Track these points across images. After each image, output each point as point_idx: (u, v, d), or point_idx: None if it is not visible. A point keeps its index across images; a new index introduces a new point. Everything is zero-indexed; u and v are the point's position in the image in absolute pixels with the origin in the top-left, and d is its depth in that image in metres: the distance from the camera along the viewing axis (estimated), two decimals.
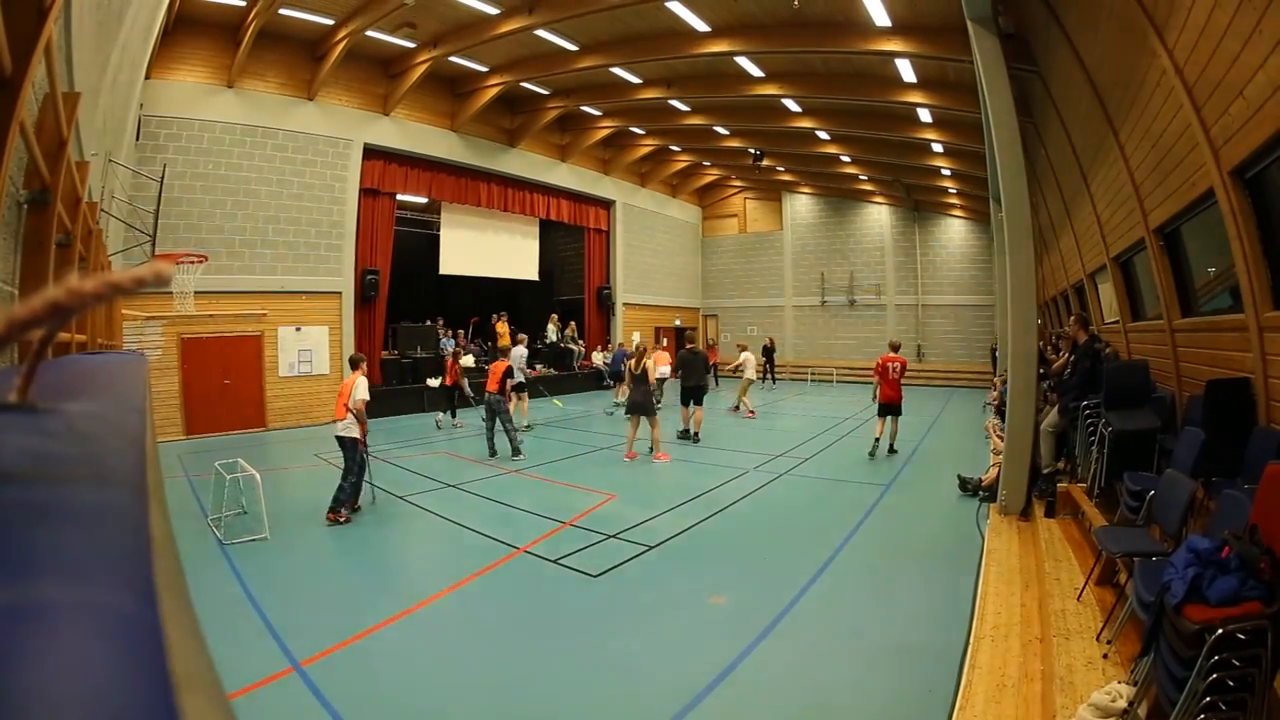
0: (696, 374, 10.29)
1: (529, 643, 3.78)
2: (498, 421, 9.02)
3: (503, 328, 16.46)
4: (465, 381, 11.38)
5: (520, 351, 12.19)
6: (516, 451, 8.88)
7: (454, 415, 11.79)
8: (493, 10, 10.60)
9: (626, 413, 9.54)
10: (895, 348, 9.78)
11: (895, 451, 9.31)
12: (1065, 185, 8.85)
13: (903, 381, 9.30)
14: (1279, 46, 3.05)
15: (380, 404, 13.04)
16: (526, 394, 11.92)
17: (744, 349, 13.87)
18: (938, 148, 14.56)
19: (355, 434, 6.15)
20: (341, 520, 6.02)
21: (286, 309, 12.09)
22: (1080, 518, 5.38)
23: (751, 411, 13.08)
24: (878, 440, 9.20)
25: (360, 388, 6.19)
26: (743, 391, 13.24)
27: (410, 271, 15.99)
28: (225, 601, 4.24)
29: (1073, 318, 6.89)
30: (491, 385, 8.91)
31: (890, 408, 9.19)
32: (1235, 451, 3.78)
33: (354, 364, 6.54)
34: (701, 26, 10.73)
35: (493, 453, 9.01)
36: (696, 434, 10.24)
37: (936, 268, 20.65)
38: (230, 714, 0.28)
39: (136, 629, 0.21)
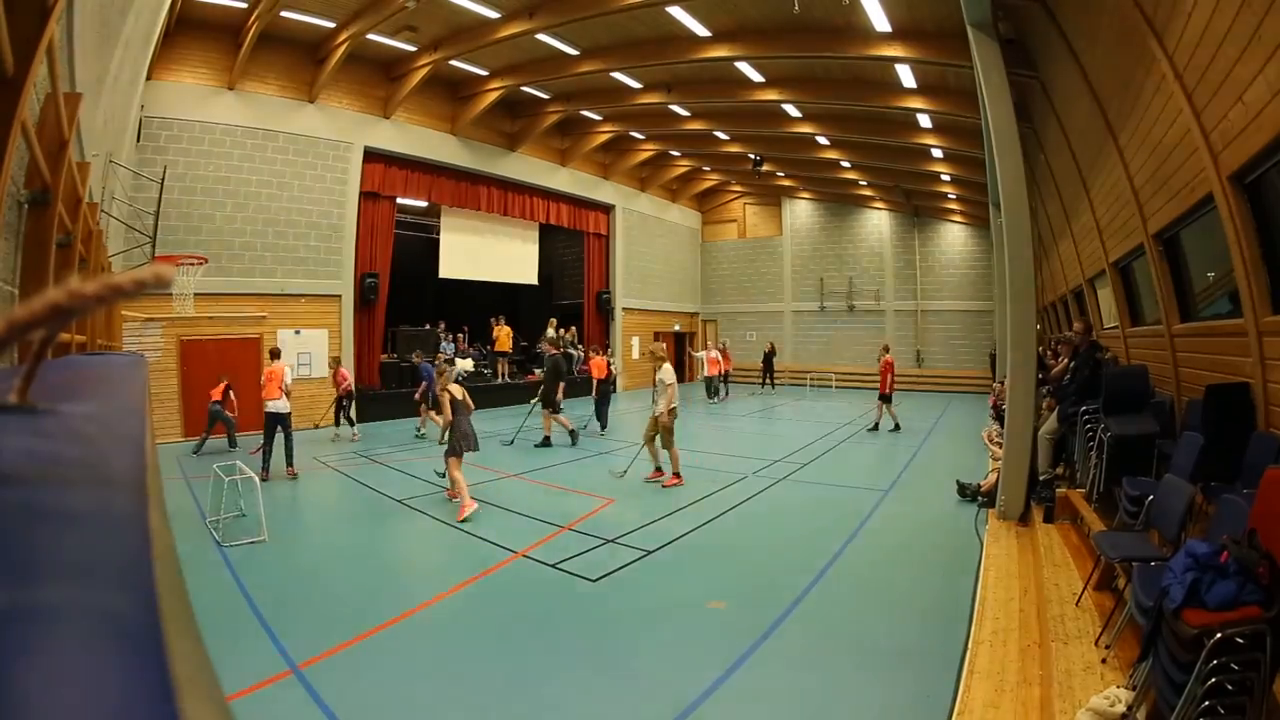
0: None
1: (527, 647, 3.77)
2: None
3: (499, 330, 16.48)
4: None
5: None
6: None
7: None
8: (493, 14, 10.63)
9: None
10: (887, 349, 12.26)
11: (877, 429, 11.67)
12: (1065, 190, 8.87)
13: (899, 386, 12.31)
14: (1278, 51, 3.06)
15: (379, 407, 13.10)
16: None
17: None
18: (937, 153, 14.58)
19: (287, 409, 7.91)
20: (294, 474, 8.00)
21: (286, 312, 12.08)
22: (1079, 523, 5.38)
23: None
24: (896, 423, 11.64)
25: (289, 373, 8.22)
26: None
27: (410, 275, 15.96)
28: (224, 603, 4.23)
29: (1076, 325, 6.89)
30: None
31: (889, 396, 11.69)
32: (1234, 456, 3.78)
33: (276, 355, 8.70)
34: (702, 31, 10.75)
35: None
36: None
37: (936, 273, 20.65)
38: (230, 716, 0.28)
39: (136, 631, 0.21)
